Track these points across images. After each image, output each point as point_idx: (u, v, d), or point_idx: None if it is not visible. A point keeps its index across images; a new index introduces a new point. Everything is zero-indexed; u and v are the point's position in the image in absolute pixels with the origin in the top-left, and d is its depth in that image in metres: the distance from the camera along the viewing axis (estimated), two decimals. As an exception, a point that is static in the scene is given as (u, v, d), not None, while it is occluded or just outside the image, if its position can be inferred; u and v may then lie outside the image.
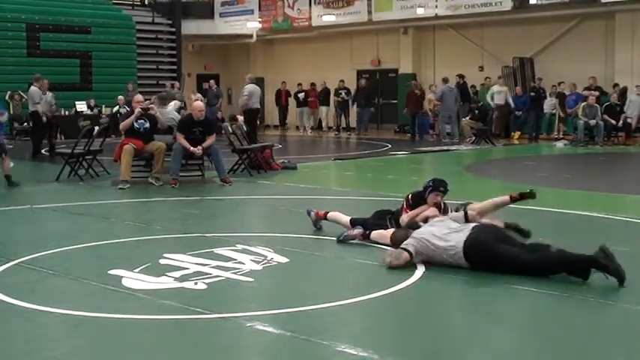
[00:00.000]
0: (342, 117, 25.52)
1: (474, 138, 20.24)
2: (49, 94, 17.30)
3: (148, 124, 11.76)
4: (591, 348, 4.39)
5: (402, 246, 6.12)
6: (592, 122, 19.08)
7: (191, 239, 7.46)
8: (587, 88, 20.33)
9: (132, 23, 26.21)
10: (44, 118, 16.98)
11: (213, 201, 10.45)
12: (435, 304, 5.36)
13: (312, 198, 10.07)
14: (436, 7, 23.62)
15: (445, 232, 6.11)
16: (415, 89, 23.01)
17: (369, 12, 24.91)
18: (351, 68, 27.26)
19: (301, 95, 26.66)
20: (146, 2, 28.79)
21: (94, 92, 24.40)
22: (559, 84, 21.53)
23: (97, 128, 13.37)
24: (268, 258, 6.47)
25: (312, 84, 26.70)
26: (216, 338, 4.53)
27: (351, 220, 7.40)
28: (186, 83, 27.34)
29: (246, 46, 30.01)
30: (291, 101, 27.41)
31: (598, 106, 19.46)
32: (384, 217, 7.29)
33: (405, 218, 7.07)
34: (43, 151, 17.28)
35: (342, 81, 25.46)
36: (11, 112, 22.27)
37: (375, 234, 7.01)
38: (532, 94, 21.34)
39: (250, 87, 19.05)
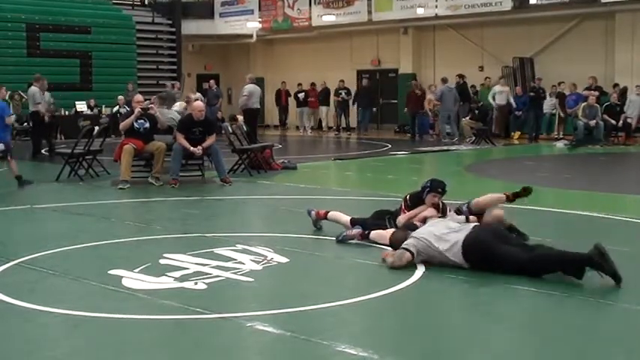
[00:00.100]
0: (342, 117, 25.52)
1: (474, 138, 20.24)
2: (47, 94, 17.30)
3: (147, 124, 11.76)
4: (591, 348, 4.39)
5: (403, 246, 6.12)
6: (592, 123, 19.07)
7: (191, 239, 7.46)
8: (588, 88, 20.33)
9: (132, 23, 26.21)
10: (46, 118, 17.02)
11: (213, 201, 10.45)
12: (435, 304, 5.36)
13: (312, 198, 10.07)
14: (436, 7, 23.61)
15: (444, 232, 6.11)
16: (416, 89, 23.01)
17: (369, 12, 24.90)
18: (351, 68, 27.26)
19: (301, 95, 26.66)
20: (146, 2, 28.78)
21: (94, 92, 24.39)
22: (559, 84, 21.53)
23: (97, 128, 13.39)
24: (268, 258, 6.47)
25: (312, 84, 26.69)
26: (216, 338, 4.53)
27: (350, 219, 7.40)
28: (186, 83, 27.34)
29: (246, 46, 30.01)
30: (291, 101, 27.40)
31: (598, 106, 19.45)
32: (383, 218, 7.30)
33: (401, 219, 7.08)
34: (43, 151, 17.28)
35: (342, 81, 25.46)
36: (11, 112, 22.24)
37: (374, 234, 7.02)
38: (531, 94, 21.34)
39: (250, 87, 19.06)
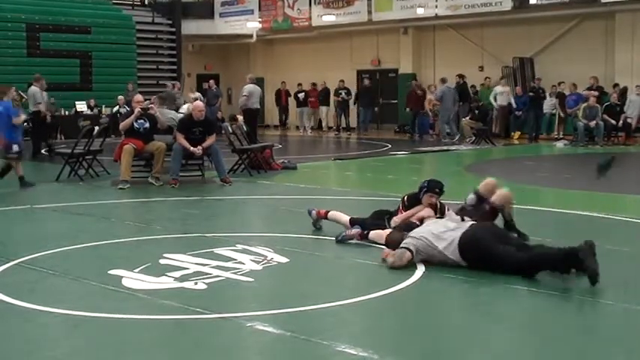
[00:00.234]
0: (342, 117, 25.52)
1: (474, 138, 20.24)
2: (45, 94, 17.32)
3: (147, 124, 11.76)
4: (591, 348, 4.39)
5: (402, 245, 6.12)
6: (592, 124, 19.07)
7: (191, 239, 7.46)
8: (589, 88, 20.32)
9: (132, 23, 26.19)
10: (48, 118, 17.03)
11: (213, 201, 10.45)
12: (435, 304, 5.36)
13: (312, 198, 10.06)
14: (436, 7, 23.60)
15: (442, 231, 6.13)
16: (416, 89, 23.01)
17: (369, 12, 24.89)
18: (351, 68, 27.25)
19: (301, 95, 26.65)
20: (146, 2, 28.76)
21: (94, 92, 24.38)
22: (559, 84, 21.52)
23: (97, 128, 13.38)
24: (268, 258, 6.47)
25: (313, 84, 26.69)
26: (216, 338, 4.53)
27: (350, 219, 7.41)
28: (186, 83, 27.34)
29: (246, 46, 30.00)
30: (291, 101, 27.40)
31: (598, 106, 19.45)
32: (382, 217, 7.30)
33: (396, 219, 7.07)
34: (42, 151, 17.28)
35: (342, 81, 25.46)
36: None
37: (372, 234, 7.02)
38: (531, 94, 21.34)
39: (250, 87, 19.07)
